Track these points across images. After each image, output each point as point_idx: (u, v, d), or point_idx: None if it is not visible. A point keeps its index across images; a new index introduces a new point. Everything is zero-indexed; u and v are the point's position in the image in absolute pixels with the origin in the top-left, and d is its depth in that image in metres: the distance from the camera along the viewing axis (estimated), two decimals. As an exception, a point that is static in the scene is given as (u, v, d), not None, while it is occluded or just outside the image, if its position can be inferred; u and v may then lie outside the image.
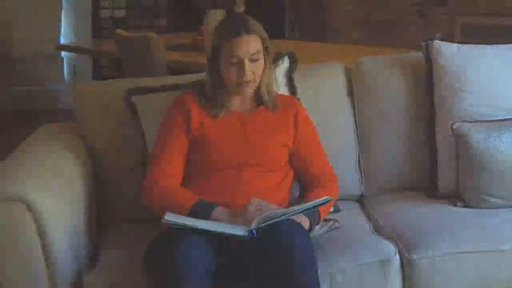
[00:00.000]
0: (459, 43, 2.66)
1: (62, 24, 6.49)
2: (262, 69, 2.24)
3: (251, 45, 2.18)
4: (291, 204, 2.23)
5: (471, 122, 2.47)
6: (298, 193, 2.35)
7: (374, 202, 2.59)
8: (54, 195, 2.06)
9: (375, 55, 2.85)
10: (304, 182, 2.34)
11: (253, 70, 2.20)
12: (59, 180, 2.16)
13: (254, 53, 2.19)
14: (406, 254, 2.17)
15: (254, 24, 2.22)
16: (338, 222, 2.24)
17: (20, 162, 2.19)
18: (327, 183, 2.31)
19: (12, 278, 1.97)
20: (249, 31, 2.18)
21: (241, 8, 4.52)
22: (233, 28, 2.19)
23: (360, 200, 2.65)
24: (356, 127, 2.65)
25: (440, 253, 2.17)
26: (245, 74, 2.18)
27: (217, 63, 2.23)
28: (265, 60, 2.24)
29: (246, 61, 2.18)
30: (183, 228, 1.96)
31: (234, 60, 2.18)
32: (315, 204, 2.05)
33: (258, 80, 2.24)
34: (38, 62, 6.37)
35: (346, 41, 5.65)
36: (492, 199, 2.42)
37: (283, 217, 1.99)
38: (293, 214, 2.02)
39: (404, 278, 2.17)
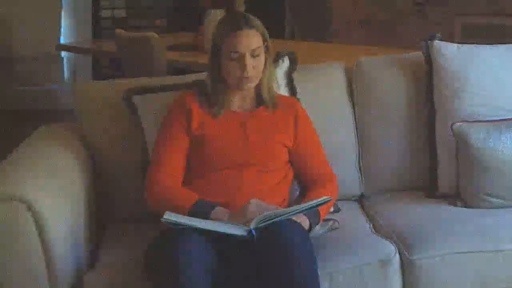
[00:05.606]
0: (459, 43, 2.66)
1: (62, 24, 6.48)
2: (263, 65, 2.24)
3: (252, 39, 2.18)
4: (291, 204, 2.23)
5: (471, 122, 2.47)
6: (298, 193, 2.35)
7: (374, 202, 2.59)
8: (54, 195, 2.06)
9: (375, 55, 2.85)
10: (304, 182, 2.34)
11: (254, 65, 2.20)
12: (59, 180, 2.16)
13: (255, 49, 2.18)
14: (406, 254, 2.17)
15: (255, 20, 2.22)
16: (338, 222, 2.23)
17: (20, 162, 2.19)
18: (326, 183, 2.31)
19: (12, 278, 1.97)
20: (250, 26, 2.18)
21: (241, 8, 4.53)
22: (234, 22, 2.19)
23: (360, 200, 2.65)
24: (356, 127, 2.65)
25: (440, 253, 2.17)
26: (246, 69, 2.18)
27: (218, 60, 2.23)
28: (265, 58, 2.24)
29: (247, 55, 2.18)
30: (183, 228, 1.96)
31: (235, 55, 2.18)
32: (314, 204, 2.04)
33: (259, 76, 2.24)
34: (38, 62, 6.36)
35: (346, 41, 5.65)
36: (492, 199, 2.42)
37: (282, 217, 1.99)
38: (293, 214, 2.02)
39: (404, 278, 2.17)
